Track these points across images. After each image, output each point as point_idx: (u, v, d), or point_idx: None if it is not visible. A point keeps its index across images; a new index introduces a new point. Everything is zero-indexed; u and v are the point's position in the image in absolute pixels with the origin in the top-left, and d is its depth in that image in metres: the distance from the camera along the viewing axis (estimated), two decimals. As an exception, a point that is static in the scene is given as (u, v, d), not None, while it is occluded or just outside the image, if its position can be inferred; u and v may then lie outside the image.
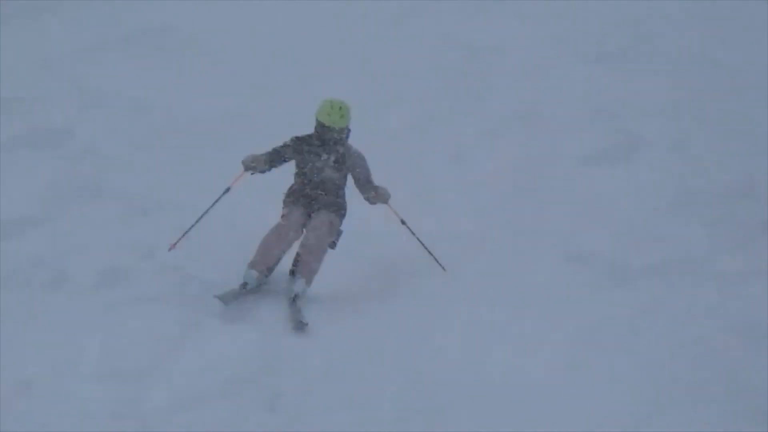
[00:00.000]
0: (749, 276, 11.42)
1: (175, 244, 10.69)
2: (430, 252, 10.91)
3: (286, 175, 10.86)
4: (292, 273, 10.28)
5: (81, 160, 13.64)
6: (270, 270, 10.33)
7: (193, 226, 10.70)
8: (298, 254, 10.31)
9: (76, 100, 15.15)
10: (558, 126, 14.75)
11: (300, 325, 9.93)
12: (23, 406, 9.20)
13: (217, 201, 10.64)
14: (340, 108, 10.17)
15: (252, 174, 10.52)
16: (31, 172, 13.13)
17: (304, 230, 10.39)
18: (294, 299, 10.09)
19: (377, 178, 10.76)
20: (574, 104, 15.14)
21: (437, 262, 10.96)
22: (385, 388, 9.55)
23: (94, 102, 15.13)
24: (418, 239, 10.83)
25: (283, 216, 10.47)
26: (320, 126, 10.20)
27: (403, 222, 10.75)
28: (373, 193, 10.44)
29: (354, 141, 10.68)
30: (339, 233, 10.46)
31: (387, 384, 9.59)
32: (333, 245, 10.48)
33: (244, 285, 10.20)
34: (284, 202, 10.58)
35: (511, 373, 9.83)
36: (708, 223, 12.49)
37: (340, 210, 10.55)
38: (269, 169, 10.46)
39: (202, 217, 10.68)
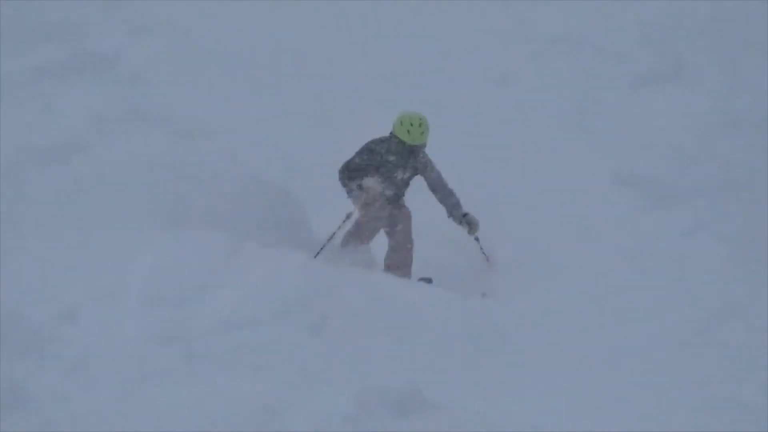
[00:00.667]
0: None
1: (315, 256, 10.46)
2: (483, 251, 10.75)
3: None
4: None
5: (128, 86, 13.75)
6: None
7: (324, 246, 10.52)
8: (386, 266, 10.43)
9: (123, 26, 15.26)
10: (605, 51, 14.71)
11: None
12: (70, 332, 9.22)
13: (341, 225, 10.46)
14: (420, 125, 9.97)
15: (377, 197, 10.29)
16: (78, 97, 13.27)
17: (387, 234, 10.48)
18: None
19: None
20: (621, 29, 15.08)
21: (485, 254, 10.80)
22: (429, 315, 9.61)
23: (141, 29, 15.24)
24: (483, 252, 10.75)
25: (365, 213, 10.30)
26: (400, 143, 10.04)
27: (476, 239, 10.65)
28: (463, 223, 10.34)
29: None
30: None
31: (430, 311, 9.64)
32: None
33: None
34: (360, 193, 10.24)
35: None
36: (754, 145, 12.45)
37: (408, 214, 10.43)
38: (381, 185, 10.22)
39: (331, 237, 10.52)
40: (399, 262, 10.34)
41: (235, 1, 16.26)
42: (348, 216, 10.35)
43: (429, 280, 10.38)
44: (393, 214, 10.29)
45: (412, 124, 9.92)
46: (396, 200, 10.24)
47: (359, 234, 10.45)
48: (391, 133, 10.07)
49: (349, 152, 10.33)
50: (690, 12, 15.38)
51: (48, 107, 13.04)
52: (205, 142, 12.28)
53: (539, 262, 10.61)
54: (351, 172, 10.09)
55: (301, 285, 9.89)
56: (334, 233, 10.49)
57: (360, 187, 10.06)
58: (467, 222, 10.30)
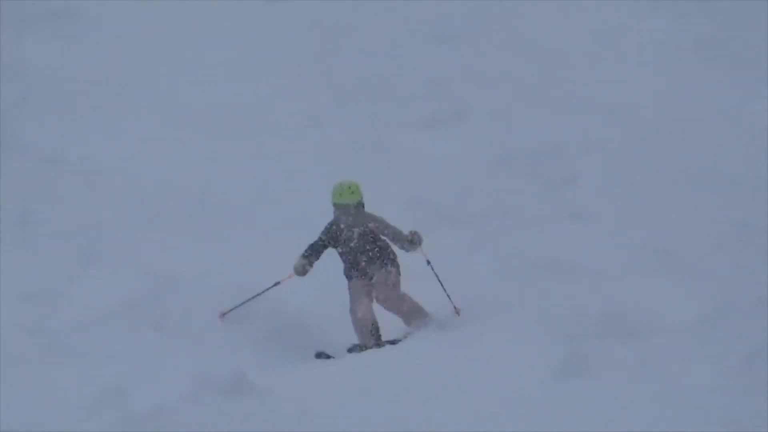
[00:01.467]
0: (552, 220, 13.89)
1: (224, 315, 11.36)
2: (446, 291, 11.29)
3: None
4: (407, 324, 11.26)
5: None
6: (378, 335, 11.07)
7: (242, 303, 11.39)
8: (406, 320, 11.23)
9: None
10: (397, 95, 17.10)
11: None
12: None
13: (266, 290, 11.30)
14: (349, 187, 10.87)
15: (301, 276, 11.16)
16: None
17: (374, 298, 11.14)
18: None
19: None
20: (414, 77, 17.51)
21: (451, 302, 11.32)
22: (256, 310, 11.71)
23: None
24: (438, 279, 11.26)
25: (354, 290, 11.10)
26: (337, 207, 10.89)
27: (428, 262, 11.17)
28: (408, 244, 10.93)
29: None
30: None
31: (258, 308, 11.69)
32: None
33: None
34: (348, 277, 11.14)
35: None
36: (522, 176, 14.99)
37: (392, 261, 11.12)
38: (311, 268, 11.05)
39: (252, 298, 11.34)
40: (408, 317, 11.18)
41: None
42: (276, 283, 11.27)
43: (394, 342, 11.02)
44: (371, 284, 11.05)
45: (340, 188, 10.86)
46: (368, 268, 11.01)
47: (359, 306, 11.07)
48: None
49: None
50: (473, 62, 17.94)
51: None
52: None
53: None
54: (311, 250, 11.00)
55: (145, 288, 11.86)
56: (254, 296, 11.35)
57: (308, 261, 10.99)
58: (409, 240, 10.93)
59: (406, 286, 11.27)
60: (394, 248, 11.07)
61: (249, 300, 11.31)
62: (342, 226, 10.89)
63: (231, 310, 11.30)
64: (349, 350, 10.96)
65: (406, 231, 10.92)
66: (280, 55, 18.08)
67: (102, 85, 17.01)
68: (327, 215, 11.12)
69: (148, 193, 14.64)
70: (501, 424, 8.72)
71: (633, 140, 16.32)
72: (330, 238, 10.97)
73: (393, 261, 11.08)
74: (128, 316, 11.57)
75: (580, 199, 14.90)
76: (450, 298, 11.22)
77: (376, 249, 10.95)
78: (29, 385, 10.65)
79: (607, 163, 15.67)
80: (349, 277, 11.09)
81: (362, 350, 10.84)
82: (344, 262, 11.08)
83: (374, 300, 11.06)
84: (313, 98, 16.97)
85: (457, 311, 11.19)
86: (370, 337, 10.92)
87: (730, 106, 16.76)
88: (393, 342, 10.96)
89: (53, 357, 11.11)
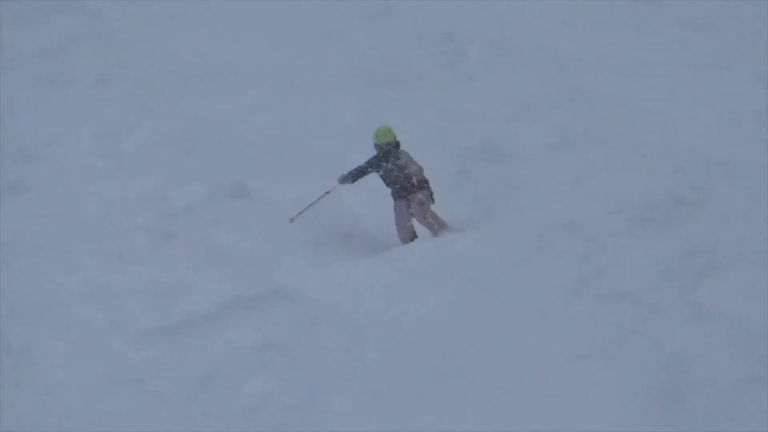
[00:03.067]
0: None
1: (293, 219, 14.09)
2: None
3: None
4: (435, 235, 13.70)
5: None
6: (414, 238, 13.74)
7: (306, 209, 14.03)
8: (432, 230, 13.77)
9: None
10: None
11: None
12: (50, 153, 16.57)
13: (321, 198, 13.99)
14: (387, 131, 13.70)
15: (344, 185, 13.87)
16: None
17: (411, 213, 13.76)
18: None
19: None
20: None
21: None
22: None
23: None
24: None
25: (399, 208, 13.75)
26: (378, 146, 13.73)
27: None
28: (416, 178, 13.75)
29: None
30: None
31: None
32: (432, 200, 13.90)
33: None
34: (394, 197, 13.74)
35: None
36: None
37: (421, 188, 13.79)
38: (353, 183, 13.75)
39: (311, 204, 13.97)
40: (433, 228, 13.72)
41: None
42: (326, 192, 13.99)
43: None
44: (409, 202, 13.69)
45: (381, 134, 13.71)
46: (404, 191, 13.68)
47: (401, 220, 13.78)
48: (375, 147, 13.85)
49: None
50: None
51: None
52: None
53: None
54: (356, 171, 13.70)
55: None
56: (313, 203, 14.03)
57: (351, 179, 13.72)
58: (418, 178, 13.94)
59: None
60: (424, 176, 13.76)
61: (310, 206, 14.00)
62: (387, 155, 13.55)
63: (298, 214, 14.04)
64: None
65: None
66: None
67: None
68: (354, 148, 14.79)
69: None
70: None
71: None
72: (372, 166, 13.62)
73: (422, 188, 13.71)
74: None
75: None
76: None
77: (404, 178, 13.56)
78: (95, 194, 15.07)
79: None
80: (394, 197, 13.72)
81: None
82: (388, 185, 13.74)
83: (411, 214, 13.67)
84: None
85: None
86: (411, 239, 13.60)
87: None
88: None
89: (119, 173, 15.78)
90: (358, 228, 14.50)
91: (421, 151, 14.15)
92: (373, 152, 13.89)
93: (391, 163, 13.63)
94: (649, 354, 10.76)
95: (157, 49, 20.58)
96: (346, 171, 13.82)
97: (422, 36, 21.10)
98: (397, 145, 13.74)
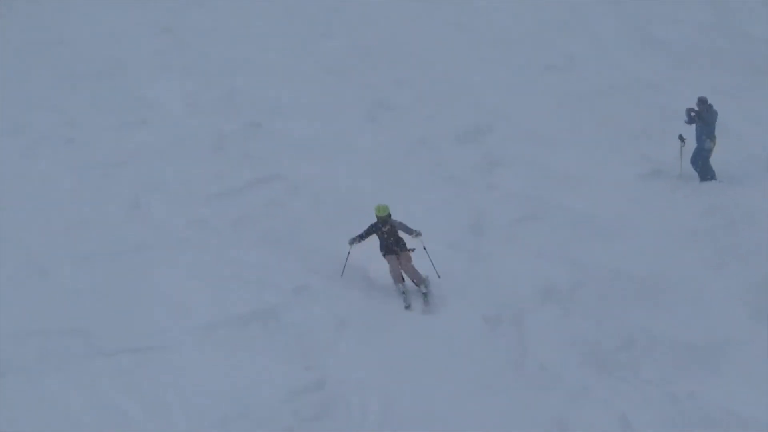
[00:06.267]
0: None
1: (342, 274, 18.45)
2: (433, 264, 18.25)
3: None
4: (417, 285, 18.12)
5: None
6: (402, 280, 18.27)
7: (344, 266, 18.45)
8: (412, 281, 18.15)
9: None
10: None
11: (429, 307, 17.92)
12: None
13: (348, 255, 18.27)
14: (382, 207, 17.96)
15: (357, 244, 18.22)
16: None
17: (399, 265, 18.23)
18: (425, 295, 17.92)
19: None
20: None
21: (436, 270, 18.27)
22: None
23: None
24: (428, 257, 18.21)
25: (388, 260, 18.17)
26: (378, 218, 17.97)
27: (424, 248, 18.10)
28: (414, 234, 17.88)
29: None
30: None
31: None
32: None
33: (403, 291, 18.03)
34: (384, 254, 18.24)
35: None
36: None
37: (405, 246, 18.22)
38: (360, 242, 18.09)
39: (346, 260, 18.35)
40: (413, 276, 18.03)
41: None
42: (348, 252, 18.25)
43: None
44: (396, 253, 18.09)
45: (379, 209, 17.89)
46: (393, 246, 18.09)
47: (392, 267, 18.15)
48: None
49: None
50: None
51: None
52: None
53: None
54: (362, 234, 18.03)
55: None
56: (347, 258, 18.27)
57: (359, 239, 18.09)
58: (417, 233, 17.90)
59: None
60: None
61: (346, 261, 18.27)
62: (380, 225, 17.98)
63: (343, 271, 18.33)
64: (405, 303, 17.92)
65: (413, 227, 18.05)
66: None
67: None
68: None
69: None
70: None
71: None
72: (372, 231, 18.04)
73: (405, 246, 18.18)
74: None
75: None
76: (435, 269, 18.15)
77: (396, 238, 18.04)
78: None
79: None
80: (384, 254, 18.16)
81: (400, 290, 17.99)
82: (381, 244, 18.11)
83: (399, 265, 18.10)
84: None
85: (438, 275, 18.14)
86: (400, 280, 18.03)
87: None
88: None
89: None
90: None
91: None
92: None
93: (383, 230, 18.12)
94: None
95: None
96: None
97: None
98: (389, 215, 18.04)
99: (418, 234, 17.66)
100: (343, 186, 21.72)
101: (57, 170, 22.05)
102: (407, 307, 17.49)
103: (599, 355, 16.12)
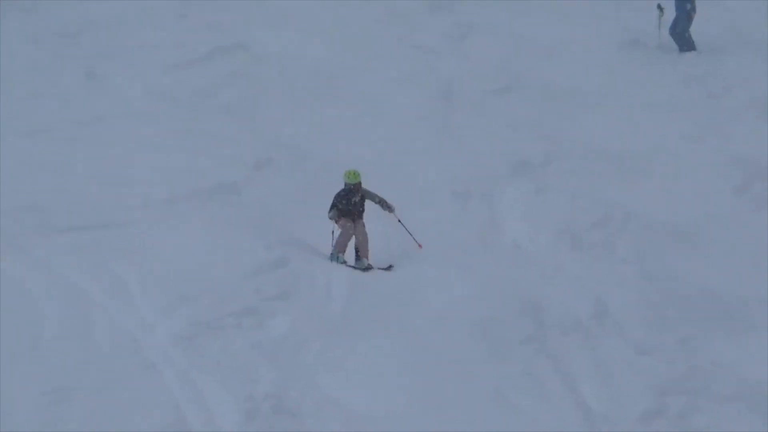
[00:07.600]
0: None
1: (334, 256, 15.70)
2: (411, 235, 15.72)
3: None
4: (358, 256, 15.73)
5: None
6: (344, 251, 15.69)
7: (333, 241, 15.68)
8: (356, 247, 15.74)
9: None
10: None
11: (368, 268, 15.53)
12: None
13: (333, 236, 15.60)
14: (354, 173, 15.62)
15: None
16: None
17: (354, 231, 15.72)
18: (365, 269, 15.46)
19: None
20: None
21: (415, 241, 15.71)
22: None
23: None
24: (406, 229, 15.80)
25: (342, 224, 15.61)
26: (347, 185, 15.61)
27: (399, 221, 15.84)
28: (387, 208, 15.85)
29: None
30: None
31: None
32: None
33: (343, 261, 15.58)
34: (339, 217, 15.60)
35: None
36: None
37: (362, 223, 15.75)
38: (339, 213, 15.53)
39: (333, 240, 15.62)
40: (362, 246, 15.71)
41: None
42: (333, 231, 15.67)
43: (388, 267, 15.68)
44: (355, 221, 15.70)
45: (349, 174, 15.56)
46: (357, 214, 15.73)
47: (344, 232, 15.59)
48: (344, 183, 15.62)
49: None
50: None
51: None
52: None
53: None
54: (334, 208, 15.55)
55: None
56: (333, 239, 15.60)
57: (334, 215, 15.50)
58: (386, 204, 15.82)
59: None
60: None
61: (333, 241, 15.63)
62: (352, 192, 15.62)
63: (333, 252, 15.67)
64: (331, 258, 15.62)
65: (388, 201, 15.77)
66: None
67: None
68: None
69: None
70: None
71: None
72: (340, 199, 15.63)
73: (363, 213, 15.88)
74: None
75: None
76: (414, 239, 15.71)
77: (362, 208, 15.79)
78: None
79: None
80: (340, 216, 15.56)
81: (334, 258, 15.58)
82: (341, 210, 15.61)
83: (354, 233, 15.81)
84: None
85: (419, 246, 15.69)
86: (342, 250, 15.61)
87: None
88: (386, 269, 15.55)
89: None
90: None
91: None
92: None
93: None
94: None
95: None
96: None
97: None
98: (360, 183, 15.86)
99: (392, 209, 15.89)
100: (309, 56, 21.12)
101: (12, 41, 21.53)
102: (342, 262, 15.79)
103: (573, 233, 15.74)
